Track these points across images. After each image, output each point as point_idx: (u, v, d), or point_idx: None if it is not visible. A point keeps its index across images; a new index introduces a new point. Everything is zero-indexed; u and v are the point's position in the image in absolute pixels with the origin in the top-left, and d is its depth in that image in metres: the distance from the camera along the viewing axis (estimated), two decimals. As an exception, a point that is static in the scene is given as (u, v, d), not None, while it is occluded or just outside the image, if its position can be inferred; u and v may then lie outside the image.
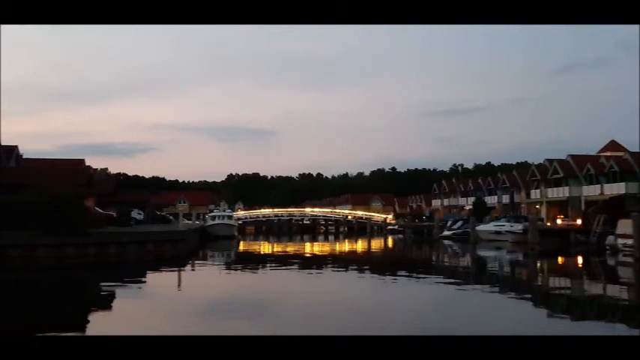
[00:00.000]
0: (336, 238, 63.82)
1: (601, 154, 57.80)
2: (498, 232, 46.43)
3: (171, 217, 54.25)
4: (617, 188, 48.68)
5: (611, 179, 50.36)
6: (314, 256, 36.25)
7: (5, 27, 66.70)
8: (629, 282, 21.59)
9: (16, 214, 24.72)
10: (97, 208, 36.02)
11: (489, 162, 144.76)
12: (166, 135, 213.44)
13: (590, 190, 52.54)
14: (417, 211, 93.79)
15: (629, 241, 29.28)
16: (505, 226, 46.81)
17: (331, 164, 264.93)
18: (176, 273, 22.42)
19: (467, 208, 74.11)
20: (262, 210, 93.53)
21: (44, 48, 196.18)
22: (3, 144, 40.39)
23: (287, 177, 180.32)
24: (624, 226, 31.05)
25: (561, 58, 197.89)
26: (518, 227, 44.98)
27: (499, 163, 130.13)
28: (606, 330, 10.97)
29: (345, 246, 49.81)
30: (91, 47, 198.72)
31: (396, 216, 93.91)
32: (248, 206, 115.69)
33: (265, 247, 46.23)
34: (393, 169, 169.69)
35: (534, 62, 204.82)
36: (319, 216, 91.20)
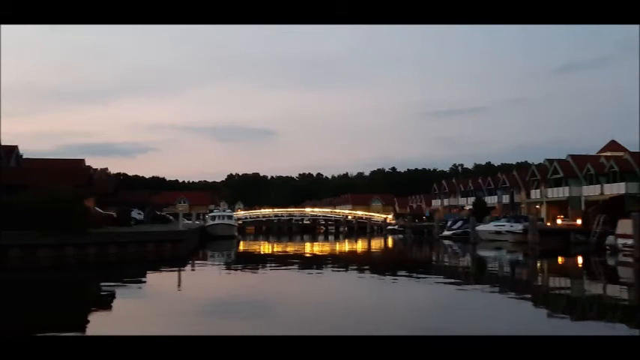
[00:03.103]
0: (336, 238, 63.80)
1: (601, 154, 57.85)
2: (498, 232, 46.41)
3: (171, 217, 54.21)
4: (617, 188, 48.70)
5: (611, 179, 50.38)
6: (314, 256, 36.23)
7: (5, 27, 66.71)
8: (629, 282, 21.57)
9: (16, 214, 24.70)
10: (97, 208, 36.03)
11: (489, 162, 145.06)
12: (166, 135, 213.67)
13: (590, 190, 52.55)
14: (417, 211, 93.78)
15: (629, 241, 29.26)
16: (505, 226, 46.78)
17: (331, 164, 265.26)
18: (176, 273, 22.41)
19: (467, 208, 74.11)
20: (262, 210, 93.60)
21: (44, 48, 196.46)
22: (3, 144, 40.39)
23: (287, 177, 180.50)
24: (624, 226, 31.02)
25: (561, 58, 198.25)
26: (518, 227, 44.95)
27: (499, 163, 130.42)
28: (606, 330, 10.96)
29: (345, 246, 49.79)
30: (91, 47, 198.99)
31: (396, 216, 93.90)
32: (248, 206, 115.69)
33: (265, 247, 46.21)
34: (393, 169, 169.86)
35: (534, 62, 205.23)
36: (319, 216, 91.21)
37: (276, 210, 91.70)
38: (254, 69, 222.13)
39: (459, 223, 54.70)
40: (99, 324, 11.40)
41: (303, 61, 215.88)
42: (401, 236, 67.86)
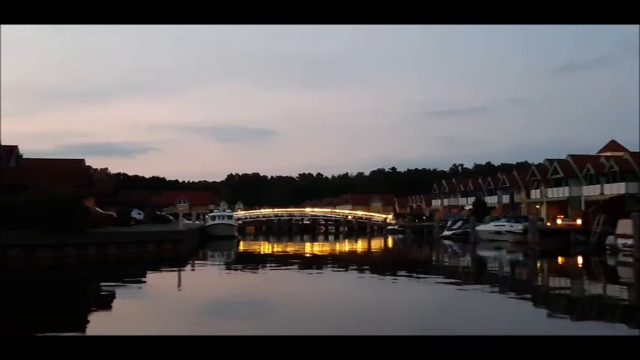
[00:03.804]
0: (336, 238, 63.79)
1: (601, 154, 57.85)
2: (498, 232, 46.41)
3: (171, 217, 54.20)
4: (617, 188, 48.69)
5: (611, 179, 50.38)
6: (314, 256, 36.23)
7: (5, 27, 66.73)
8: (629, 282, 21.57)
9: (16, 214, 24.70)
10: (97, 208, 36.03)
11: (489, 162, 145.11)
12: (166, 135, 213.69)
13: (590, 190, 52.55)
14: (417, 211, 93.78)
15: (629, 241, 29.26)
16: (505, 226, 46.78)
17: (331, 164, 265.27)
18: (176, 273, 22.41)
19: (467, 208, 74.12)
20: (262, 210, 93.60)
21: (44, 48, 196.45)
22: (3, 144, 40.38)
23: (287, 177, 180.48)
24: (624, 226, 31.02)
25: (561, 58, 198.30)
26: (518, 227, 44.94)
27: (499, 163, 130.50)
28: (606, 330, 10.96)
29: (345, 246, 49.79)
30: (91, 47, 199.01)
31: (396, 216, 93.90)
32: (248, 206, 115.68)
33: (265, 247, 46.21)
34: (393, 169, 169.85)
35: (534, 62, 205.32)
36: (319, 216, 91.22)
37: (276, 210, 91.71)
38: (254, 69, 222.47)
39: (459, 223, 54.70)
40: (99, 324, 11.40)
41: (303, 61, 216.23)
42: (401, 236, 67.85)
